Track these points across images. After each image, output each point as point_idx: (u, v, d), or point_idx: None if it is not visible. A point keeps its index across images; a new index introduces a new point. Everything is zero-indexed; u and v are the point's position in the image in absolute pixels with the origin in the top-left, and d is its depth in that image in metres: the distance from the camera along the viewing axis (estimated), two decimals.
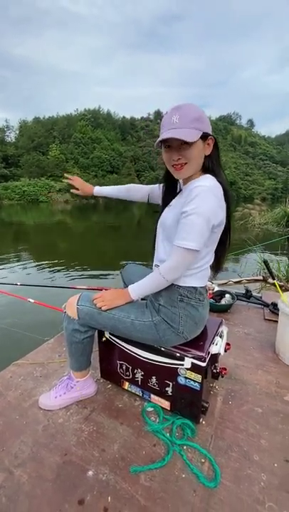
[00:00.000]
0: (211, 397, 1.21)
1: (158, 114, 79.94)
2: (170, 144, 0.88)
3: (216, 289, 2.22)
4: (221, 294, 2.15)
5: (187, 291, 0.97)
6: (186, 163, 0.88)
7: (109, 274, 5.36)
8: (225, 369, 1.20)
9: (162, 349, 1.05)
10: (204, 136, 0.86)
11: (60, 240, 10.95)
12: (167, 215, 1.00)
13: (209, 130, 0.87)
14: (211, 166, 0.91)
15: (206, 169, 0.92)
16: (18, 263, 6.21)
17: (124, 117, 69.96)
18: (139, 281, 0.98)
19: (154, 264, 1.07)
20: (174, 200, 1.01)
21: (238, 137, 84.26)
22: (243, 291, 2.33)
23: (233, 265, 5.36)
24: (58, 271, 5.51)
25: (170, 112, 0.85)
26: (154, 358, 1.08)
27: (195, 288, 0.98)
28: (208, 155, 0.90)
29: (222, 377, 1.21)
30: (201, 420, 1.08)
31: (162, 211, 1.05)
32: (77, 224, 16.76)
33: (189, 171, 0.90)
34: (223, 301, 2.05)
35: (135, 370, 1.16)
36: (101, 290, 1.69)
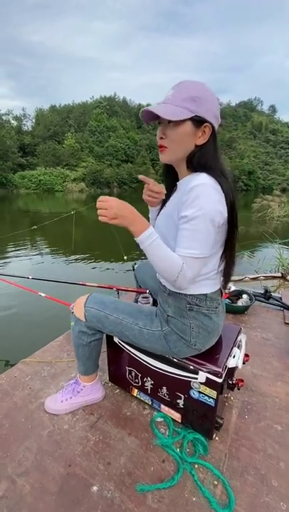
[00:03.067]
0: (225, 410, 1.13)
1: None
2: (160, 121, 0.79)
3: (233, 288, 2.11)
4: (237, 294, 2.03)
5: (196, 298, 0.87)
6: (165, 148, 0.80)
7: (120, 266, 5.35)
8: (242, 380, 1.11)
9: (174, 360, 0.97)
10: (199, 122, 0.74)
11: (75, 230, 11.01)
12: (160, 216, 0.93)
13: (207, 116, 0.74)
14: (203, 160, 0.77)
15: (198, 165, 0.78)
16: (34, 252, 6.31)
17: (140, 104, 68.36)
18: (161, 242, 0.75)
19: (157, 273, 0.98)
20: (170, 199, 0.90)
21: (259, 124, 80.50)
22: (262, 291, 2.21)
23: (249, 260, 5.15)
24: (71, 261, 5.55)
25: (172, 87, 0.77)
26: (165, 368, 1.01)
27: (205, 295, 0.87)
28: (201, 145, 0.77)
29: (238, 389, 1.12)
30: (214, 436, 1.00)
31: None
32: (91, 214, 16.78)
33: (169, 155, 0.81)
34: (239, 302, 1.94)
35: (145, 379, 1.10)
36: (112, 288, 1.64)
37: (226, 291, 2.07)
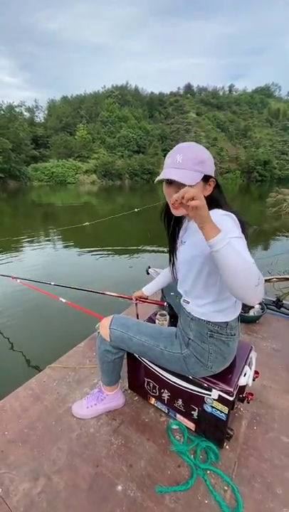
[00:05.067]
0: (235, 420, 1.23)
1: (188, 88, 75.37)
2: (171, 181, 0.86)
3: None
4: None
5: (218, 326, 0.96)
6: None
7: (133, 258, 5.51)
8: (251, 394, 1.20)
9: (190, 377, 1.07)
10: (206, 178, 0.85)
11: (86, 221, 11.21)
12: (184, 252, 0.97)
13: (212, 172, 0.86)
14: (213, 202, 0.85)
15: (214, 201, 0.87)
16: (48, 247, 6.52)
17: (152, 93, 66.89)
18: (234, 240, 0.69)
19: (182, 299, 1.06)
20: (187, 239, 0.97)
21: (276, 111, 77.17)
22: (273, 298, 2.26)
23: (262, 260, 5.14)
24: (84, 252, 5.73)
25: (175, 151, 0.85)
26: (181, 383, 1.11)
27: (226, 323, 0.96)
28: (208, 196, 0.86)
29: (248, 402, 1.21)
30: (224, 445, 1.11)
31: (174, 247, 1.04)
32: (103, 206, 16.92)
33: (184, 211, 0.87)
34: (251, 312, 2.01)
35: (162, 390, 1.21)
36: (131, 299, 1.71)
37: None
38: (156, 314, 1.37)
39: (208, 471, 1.03)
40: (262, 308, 2.04)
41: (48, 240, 7.47)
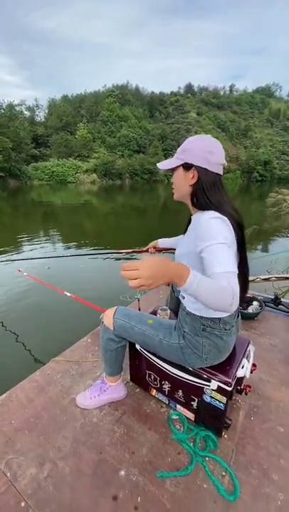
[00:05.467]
0: (233, 411, 1.28)
1: (189, 88, 75.31)
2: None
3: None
4: (248, 301, 2.14)
5: (211, 321, 0.99)
6: (173, 189, 1.01)
7: (131, 255, 5.54)
8: (249, 386, 1.24)
9: (190, 369, 1.12)
10: (188, 167, 0.92)
11: (87, 221, 11.27)
12: (181, 247, 1.02)
13: (195, 161, 0.90)
14: (202, 198, 0.91)
15: (198, 203, 0.93)
16: (47, 244, 6.57)
17: (152, 92, 66.87)
18: (204, 278, 0.70)
19: (180, 294, 1.11)
20: (188, 233, 1.02)
21: (277, 111, 77.21)
22: (272, 296, 2.30)
23: (261, 259, 5.19)
24: (83, 250, 5.77)
25: None
26: (181, 375, 1.16)
27: (219, 318, 0.99)
28: (193, 184, 0.92)
29: (246, 394, 1.26)
30: (223, 434, 1.16)
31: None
32: (103, 205, 16.98)
33: (175, 194, 1.01)
34: (250, 309, 2.05)
35: (163, 382, 1.25)
36: (146, 251, 1.64)
37: None
38: (157, 309, 1.41)
39: (207, 458, 1.07)
40: (260, 306, 2.09)
41: (48, 239, 7.51)
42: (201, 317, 0.99)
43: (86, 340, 1.81)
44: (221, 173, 0.94)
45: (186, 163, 0.91)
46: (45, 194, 21.96)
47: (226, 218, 0.85)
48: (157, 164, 1.02)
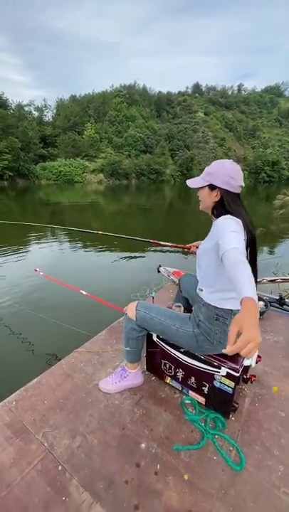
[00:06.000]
0: (240, 398, 1.43)
1: (197, 87, 75.01)
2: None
3: None
4: None
5: (224, 312, 1.16)
6: (200, 201, 1.20)
7: (140, 257, 5.74)
8: (254, 376, 1.40)
9: (202, 357, 1.27)
10: (213, 187, 1.11)
11: (93, 221, 11.50)
12: (202, 246, 1.20)
13: (218, 183, 1.09)
14: (223, 211, 1.09)
15: (218, 213, 1.11)
16: (54, 243, 6.79)
17: (160, 92, 66.87)
18: (245, 283, 0.74)
19: (198, 287, 1.27)
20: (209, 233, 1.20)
21: (286, 111, 76.33)
22: (277, 296, 2.44)
23: (267, 262, 5.29)
24: (91, 251, 5.97)
25: None
26: (194, 363, 1.32)
27: (231, 310, 1.16)
28: (216, 201, 1.12)
29: (251, 383, 1.42)
30: (230, 416, 1.31)
31: None
32: (109, 205, 17.21)
33: (202, 206, 1.20)
34: None
35: (177, 370, 1.41)
36: (189, 249, 1.79)
37: None
38: (172, 305, 1.57)
39: (217, 436, 1.23)
40: (265, 305, 2.23)
41: (55, 237, 7.75)
42: (216, 307, 1.15)
43: (104, 334, 1.97)
44: (240, 191, 1.11)
45: (211, 184, 1.11)
46: (53, 194, 22.29)
47: (239, 220, 1.03)
48: (187, 181, 1.23)
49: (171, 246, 2.04)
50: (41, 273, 2.82)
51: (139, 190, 30.61)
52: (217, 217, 1.11)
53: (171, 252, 6.19)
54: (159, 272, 3.00)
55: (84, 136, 39.70)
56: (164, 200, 22.07)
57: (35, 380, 1.52)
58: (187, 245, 1.79)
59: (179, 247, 1.91)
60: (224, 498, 1.00)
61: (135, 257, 5.93)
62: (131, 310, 1.33)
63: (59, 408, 1.36)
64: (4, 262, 5.30)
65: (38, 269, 2.94)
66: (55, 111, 45.85)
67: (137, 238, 2.27)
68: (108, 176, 37.57)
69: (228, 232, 0.95)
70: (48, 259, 5.65)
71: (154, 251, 6.29)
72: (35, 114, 42.53)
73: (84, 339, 1.93)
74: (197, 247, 1.70)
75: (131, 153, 43.38)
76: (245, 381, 1.44)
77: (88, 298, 2.26)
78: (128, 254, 6.06)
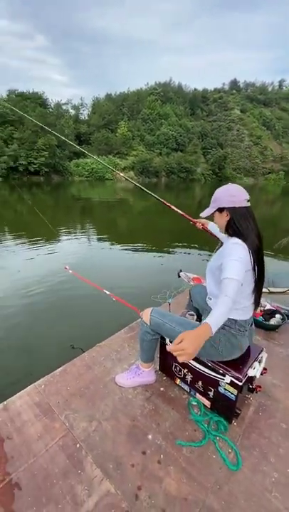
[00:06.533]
0: (244, 406, 1.51)
1: (234, 84, 72.36)
2: None
3: (268, 306, 2.38)
4: (271, 313, 2.31)
5: (228, 321, 1.26)
6: (216, 224, 1.34)
7: (163, 255, 5.87)
8: (260, 386, 1.48)
9: (209, 364, 1.38)
10: (221, 210, 1.25)
11: (121, 218, 11.82)
12: (212, 261, 1.33)
13: (224, 205, 1.23)
14: (232, 230, 1.22)
15: (229, 231, 1.24)
16: (83, 238, 7.15)
17: (195, 89, 65.62)
18: (215, 314, 0.99)
19: (207, 296, 1.39)
20: (218, 251, 1.34)
21: None
22: None
23: None
24: (117, 247, 6.24)
25: None
26: (202, 369, 1.43)
27: (235, 320, 1.27)
28: (229, 220, 1.23)
29: (256, 392, 1.49)
30: (233, 421, 1.41)
31: None
32: (138, 203, 17.47)
33: (220, 229, 1.33)
34: (272, 321, 2.22)
35: (186, 373, 1.54)
36: (194, 223, 1.96)
37: (261, 308, 2.37)
38: (186, 313, 1.69)
39: (218, 437, 1.34)
40: (282, 318, 2.25)
41: (84, 233, 8.15)
42: None
43: (123, 332, 2.15)
44: (248, 204, 1.22)
45: (218, 208, 1.25)
46: (84, 190, 23.15)
47: (245, 245, 1.15)
48: (200, 214, 1.37)
49: (181, 215, 2.12)
50: (70, 271, 3.07)
51: (169, 188, 30.57)
52: (230, 235, 1.23)
53: (193, 255, 6.23)
54: (179, 276, 3.11)
55: (117, 134, 40.40)
56: (193, 199, 21.87)
57: (61, 368, 1.74)
58: (194, 219, 1.96)
59: (186, 218, 2.03)
60: (218, 493, 1.11)
61: (159, 257, 6.06)
62: (146, 315, 1.47)
63: (80, 395, 1.56)
64: (38, 254, 5.75)
65: (67, 267, 3.19)
66: (90, 109, 47.16)
67: (153, 194, 2.38)
68: (138, 174, 37.98)
69: (231, 260, 1.08)
70: (75, 253, 6.04)
71: (178, 253, 6.38)
72: (72, 112, 44.15)
73: (105, 335, 2.12)
74: (202, 225, 1.88)
75: (162, 152, 43.31)
76: (251, 390, 1.52)
77: (109, 298, 2.46)
78: (152, 254, 6.22)
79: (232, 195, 1.21)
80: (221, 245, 1.40)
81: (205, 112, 61.87)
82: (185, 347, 0.90)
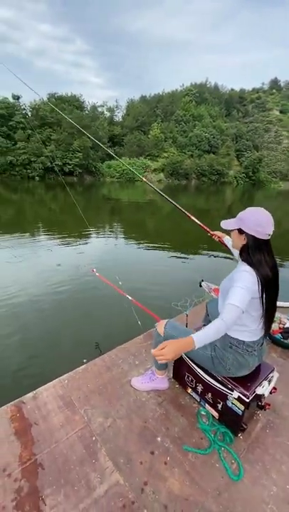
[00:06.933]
0: (252, 422, 1.57)
1: (274, 83, 69.14)
2: None
3: (288, 324, 2.37)
4: None
5: (236, 341, 1.33)
6: (232, 240, 1.36)
7: (188, 260, 5.92)
8: (269, 404, 1.52)
9: (219, 378, 1.46)
10: (241, 232, 1.24)
11: (149, 219, 12.00)
12: (225, 281, 1.39)
13: (246, 230, 1.22)
14: (245, 256, 1.25)
15: (243, 257, 1.26)
16: (111, 238, 7.43)
17: (232, 89, 63.85)
18: (203, 332, 1.12)
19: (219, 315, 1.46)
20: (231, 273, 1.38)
21: None
22: None
23: None
24: (145, 248, 6.40)
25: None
26: (212, 381, 1.52)
27: (243, 341, 1.33)
28: (244, 244, 1.25)
29: (264, 410, 1.54)
30: (239, 435, 1.48)
31: None
32: (166, 205, 17.54)
33: (233, 245, 1.36)
34: None
35: (197, 384, 1.63)
36: (212, 234, 2.01)
37: (281, 325, 2.36)
38: (202, 327, 1.78)
39: (223, 448, 1.42)
40: None
41: (112, 232, 8.46)
42: (230, 336, 1.34)
43: (141, 338, 2.29)
44: (268, 238, 1.23)
45: (240, 228, 1.25)
46: (115, 191, 23.77)
47: (254, 274, 1.20)
48: (221, 222, 1.34)
49: (199, 226, 2.13)
50: (96, 273, 3.29)
51: (198, 190, 30.22)
52: (242, 259, 1.27)
53: (219, 262, 6.18)
54: (200, 286, 3.17)
55: (149, 136, 40.75)
56: (224, 203, 21.43)
57: (83, 366, 1.93)
58: (212, 231, 2.00)
59: (204, 229, 2.06)
60: (217, 498, 1.20)
61: (184, 262, 6.13)
62: (160, 327, 1.59)
63: (98, 393, 1.72)
64: (67, 252, 6.15)
65: (94, 270, 3.42)
66: (125, 111, 48.06)
67: (171, 200, 2.39)
68: (168, 176, 37.98)
69: (237, 287, 1.15)
70: (102, 253, 6.38)
71: (204, 258, 6.39)
72: (107, 114, 45.37)
73: (124, 338, 2.28)
74: (219, 238, 1.91)
75: (194, 153, 42.81)
76: (260, 407, 1.57)
77: (130, 303, 2.61)
78: (178, 257, 6.30)
79: (259, 224, 1.19)
80: None
81: (241, 113, 59.96)
82: (165, 353, 1.11)
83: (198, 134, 44.16)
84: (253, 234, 1.21)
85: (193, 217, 2.24)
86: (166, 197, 2.45)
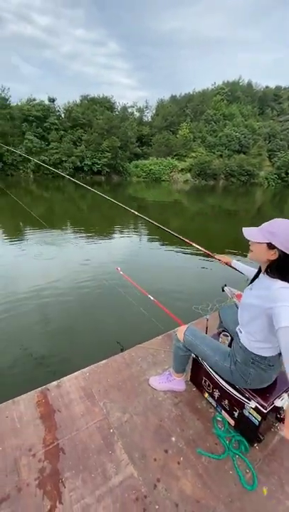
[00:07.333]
0: (270, 434, 1.54)
1: None
2: None
3: None
4: None
5: (259, 357, 1.29)
6: (251, 251, 1.20)
7: (211, 262, 5.86)
8: None
9: (237, 386, 1.46)
10: (272, 247, 1.10)
11: (173, 219, 11.96)
12: (249, 297, 1.28)
13: (279, 246, 1.08)
14: (281, 271, 1.12)
15: (273, 272, 1.14)
16: (135, 237, 7.52)
17: (267, 87, 61.17)
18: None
19: (238, 327, 1.42)
20: (254, 288, 1.27)
21: None
22: None
23: None
24: (168, 249, 6.42)
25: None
26: (229, 389, 1.51)
27: (265, 357, 1.28)
28: (273, 260, 1.12)
29: (283, 423, 1.51)
30: (255, 445, 1.46)
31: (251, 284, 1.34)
32: (192, 205, 17.37)
33: (253, 258, 1.21)
34: None
35: (214, 389, 1.64)
36: (213, 257, 1.98)
37: None
38: (220, 333, 1.78)
39: (237, 456, 1.42)
40: None
41: (136, 231, 8.57)
42: (252, 353, 1.30)
43: (160, 339, 2.33)
44: None
45: (270, 243, 1.10)
46: (140, 190, 23.95)
47: None
48: (243, 229, 1.19)
49: (205, 252, 2.03)
50: (121, 272, 3.37)
51: (226, 191, 29.43)
52: (271, 275, 1.16)
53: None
54: (223, 291, 3.13)
55: (178, 136, 40.42)
56: (253, 204, 20.68)
57: (104, 361, 2.01)
58: (217, 256, 1.91)
59: (208, 254, 1.99)
60: (229, 505, 1.21)
61: (207, 264, 6.04)
62: (180, 333, 1.61)
63: (117, 388, 1.79)
64: (94, 249, 6.37)
65: (119, 268, 3.51)
66: (154, 111, 48.12)
67: (171, 231, 2.30)
68: (195, 176, 37.42)
69: (284, 307, 1.02)
70: (126, 251, 6.55)
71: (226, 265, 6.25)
72: (137, 114, 45.73)
73: (144, 336, 2.33)
74: (226, 263, 1.84)
75: (223, 154, 41.72)
76: (279, 419, 1.55)
77: (151, 303, 2.66)
78: (201, 259, 6.24)
79: None
80: (251, 282, 1.35)
81: (276, 111, 57.25)
82: None
83: (228, 133, 42.96)
84: (286, 251, 1.09)
85: (194, 244, 2.15)
86: (159, 225, 2.50)
